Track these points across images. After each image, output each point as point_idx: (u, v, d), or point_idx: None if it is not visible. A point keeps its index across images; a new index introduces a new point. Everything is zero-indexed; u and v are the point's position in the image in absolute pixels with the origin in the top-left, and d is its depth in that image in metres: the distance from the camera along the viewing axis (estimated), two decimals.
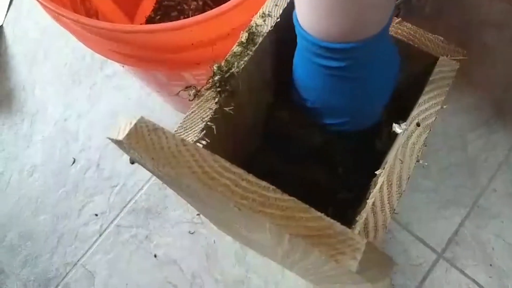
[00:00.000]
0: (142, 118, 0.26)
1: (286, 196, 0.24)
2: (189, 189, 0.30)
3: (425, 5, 0.79)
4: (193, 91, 0.37)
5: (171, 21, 0.76)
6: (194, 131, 0.35)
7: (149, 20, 0.77)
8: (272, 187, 0.24)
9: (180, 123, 0.36)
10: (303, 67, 0.38)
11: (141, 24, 0.77)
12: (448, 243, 0.67)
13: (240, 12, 0.43)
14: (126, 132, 0.25)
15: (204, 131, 0.35)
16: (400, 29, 0.40)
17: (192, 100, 0.37)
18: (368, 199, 0.37)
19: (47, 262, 0.71)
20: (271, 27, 0.40)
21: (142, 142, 0.25)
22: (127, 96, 0.77)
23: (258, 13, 0.41)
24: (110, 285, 0.68)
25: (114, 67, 0.79)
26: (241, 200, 0.24)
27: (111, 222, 0.71)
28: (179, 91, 0.36)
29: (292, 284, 0.65)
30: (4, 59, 0.83)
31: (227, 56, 0.39)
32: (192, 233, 0.70)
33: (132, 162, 0.76)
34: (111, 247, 0.70)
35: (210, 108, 0.36)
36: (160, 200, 0.72)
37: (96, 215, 0.72)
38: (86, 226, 0.72)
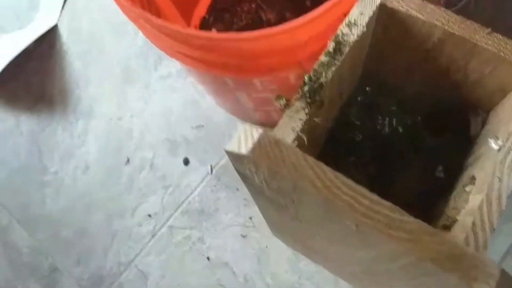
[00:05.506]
0: (264, 131, 0.26)
1: (411, 218, 0.23)
2: (293, 204, 0.30)
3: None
4: (283, 101, 0.37)
5: (224, 23, 0.77)
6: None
7: (204, 22, 0.78)
8: (396, 207, 0.23)
9: (272, 133, 0.35)
10: None
11: (195, 25, 0.77)
12: (504, 257, 0.65)
13: (321, 21, 0.43)
14: (250, 146, 0.25)
15: (296, 142, 0.35)
16: (491, 40, 0.39)
17: (282, 110, 0.37)
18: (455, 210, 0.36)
19: (101, 261, 0.72)
20: (357, 36, 0.40)
21: (265, 156, 0.25)
22: (181, 97, 0.77)
23: (344, 22, 0.40)
24: (162, 286, 0.69)
25: (168, 68, 0.79)
26: (365, 219, 0.23)
27: (164, 223, 0.72)
28: (275, 101, 0.36)
29: None
30: (58, 57, 0.84)
31: (314, 66, 0.38)
32: (244, 237, 0.70)
33: (186, 163, 0.76)
34: (164, 248, 0.71)
35: (300, 119, 0.36)
36: (212, 202, 0.72)
37: (150, 215, 0.72)
38: (140, 226, 0.72)
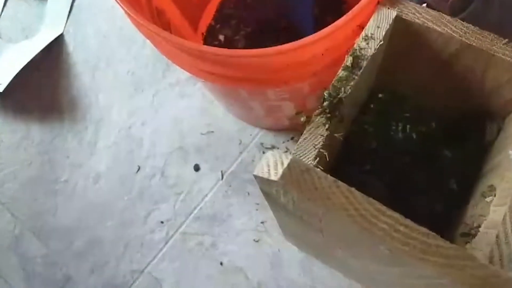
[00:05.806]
0: (294, 158, 0.26)
1: (447, 243, 0.24)
2: (319, 223, 0.30)
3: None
4: (304, 118, 0.37)
5: (230, 29, 0.77)
6: (308, 159, 0.35)
7: (210, 28, 0.78)
8: (431, 233, 0.24)
9: (294, 151, 0.36)
10: None
11: (202, 32, 0.77)
12: None
13: (338, 34, 0.43)
14: (280, 173, 0.25)
15: (318, 159, 0.35)
16: (508, 50, 0.39)
17: (303, 125, 0.37)
18: (479, 226, 0.37)
19: (114, 269, 0.72)
20: (374, 49, 0.40)
21: (296, 183, 0.25)
22: (190, 103, 0.78)
23: (361, 36, 0.40)
24: None
25: (177, 75, 0.79)
26: (402, 246, 0.24)
27: (177, 229, 0.72)
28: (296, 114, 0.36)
29: None
30: (66, 66, 0.84)
31: (333, 81, 0.38)
32: (257, 241, 0.70)
33: (197, 170, 0.76)
34: (177, 255, 0.71)
35: (321, 135, 0.36)
36: (224, 207, 0.72)
37: (162, 222, 0.73)
38: (152, 234, 0.73)
